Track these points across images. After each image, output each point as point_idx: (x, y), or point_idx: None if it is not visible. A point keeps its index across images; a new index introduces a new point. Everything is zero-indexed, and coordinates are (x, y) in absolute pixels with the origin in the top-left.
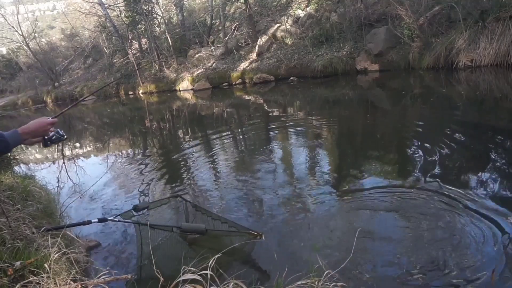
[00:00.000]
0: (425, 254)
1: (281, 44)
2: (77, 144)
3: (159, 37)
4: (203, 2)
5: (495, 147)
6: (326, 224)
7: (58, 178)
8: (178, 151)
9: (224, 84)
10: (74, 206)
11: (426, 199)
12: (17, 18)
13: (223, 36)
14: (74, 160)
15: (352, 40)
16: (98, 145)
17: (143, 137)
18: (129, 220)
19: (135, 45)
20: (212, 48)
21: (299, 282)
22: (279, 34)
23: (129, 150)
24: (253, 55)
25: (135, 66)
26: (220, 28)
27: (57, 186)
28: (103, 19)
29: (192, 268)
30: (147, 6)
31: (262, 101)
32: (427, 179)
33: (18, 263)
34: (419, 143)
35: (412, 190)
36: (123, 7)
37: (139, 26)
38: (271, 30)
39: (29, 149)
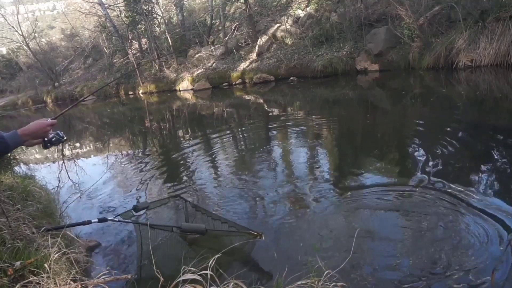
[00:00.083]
0: (425, 254)
1: (281, 44)
2: (77, 144)
3: (159, 37)
4: (203, 2)
5: (495, 147)
6: (326, 224)
7: (58, 178)
8: (178, 151)
9: (224, 84)
10: (74, 206)
11: (426, 199)
12: (17, 18)
13: (223, 36)
14: (74, 160)
15: (352, 40)
16: (98, 145)
17: (143, 137)
18: (129, 220)
19: (135, 45)
20: (212, 48)
21: (299, 282)
22: (279, 34)
23: (129, 150)
24: (253, 55)
25: (135, 66)
26: (220, 28)
27: (57, 186)
28: (103, 19)
29: (192, 268)
30: (147, 6)
31: (262, 101)
32: (427, 178)
33: (18, 263)
34: (419, 142)
35: (412, 190)
36: (123, 7)
37: (139, 26)
38: (271, 30)
39: (29, 149)
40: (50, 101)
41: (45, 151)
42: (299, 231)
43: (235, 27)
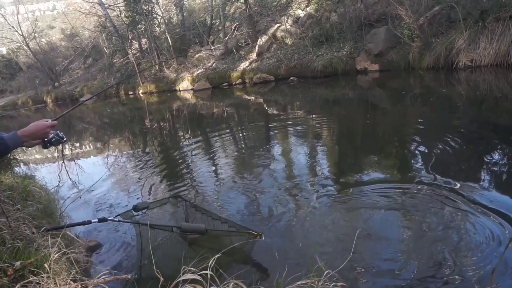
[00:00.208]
0: (426, 253)
1: (281, 44)
2: (77, 144)
3: (159, 37)
4: (203, 2)
5: (495, 146)
6: (326, 223)
7: (58, 178)
8: (178, 150)
9: (224, 84)
10: (74, 206)
11: (427, 198)
12: (17, 18)
13: (223, 36)
14: (74, 160)
15: (352, 40)
16: (98, 145)
17: (143, 137)
18: (129, 220)
19: (135, 45)
20: (212, 48)
21: (299, 282)
22: (279, 34)
23: (129, 150)
24: (253, 55)
25: (135, 66)
26: (220, 28)
27: (57, 186)
28: (103, 19)
29: (192, 268)
30: (147, 6)
31: (262, 101)
32: (427, 178)
33: (18, 263)
34: (419, 142)
35: (412, 189)
36: (123, 7)
37: (139, 26)
38: (271, 30)
39: (29, 149)
40: (50, 101)
41: (45, 151)
42: (299, 231)
43: (235, 27)
